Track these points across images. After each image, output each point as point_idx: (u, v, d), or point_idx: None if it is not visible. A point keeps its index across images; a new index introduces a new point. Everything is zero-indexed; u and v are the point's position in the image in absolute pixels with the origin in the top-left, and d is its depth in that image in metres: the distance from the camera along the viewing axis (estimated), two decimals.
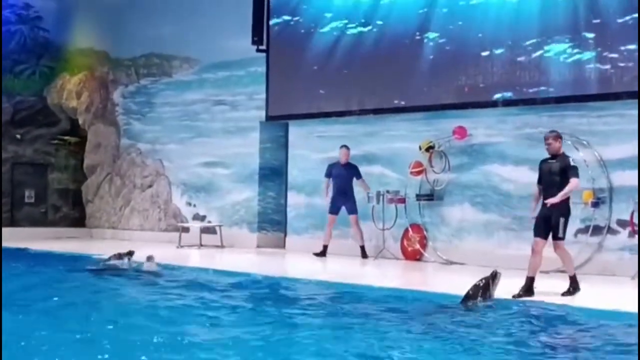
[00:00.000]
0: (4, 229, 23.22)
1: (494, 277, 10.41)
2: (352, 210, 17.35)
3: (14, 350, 7.29)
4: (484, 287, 10.33)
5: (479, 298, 10.27)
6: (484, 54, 15.90)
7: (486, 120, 16.13)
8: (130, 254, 15.49)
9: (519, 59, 15.43)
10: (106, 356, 7.12)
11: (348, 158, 17.52)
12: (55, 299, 10.87)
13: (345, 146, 17.62)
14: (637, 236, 13.86)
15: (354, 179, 17.45)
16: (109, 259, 15.59)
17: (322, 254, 17.46)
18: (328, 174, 17.67)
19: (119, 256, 15.41)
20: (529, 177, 15.14)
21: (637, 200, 13.85)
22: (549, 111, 15.17)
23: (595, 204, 14.40)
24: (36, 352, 7.31)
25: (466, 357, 7.54)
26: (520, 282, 11.46)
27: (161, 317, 9.40)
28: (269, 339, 8.12)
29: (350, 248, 17.63)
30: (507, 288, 11.19)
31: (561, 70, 14.92)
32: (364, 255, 17.19)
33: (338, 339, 8.11)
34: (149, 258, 14.89)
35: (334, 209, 17.53)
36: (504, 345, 7.92)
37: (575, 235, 14.53)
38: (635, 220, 13.96)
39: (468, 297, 10.29)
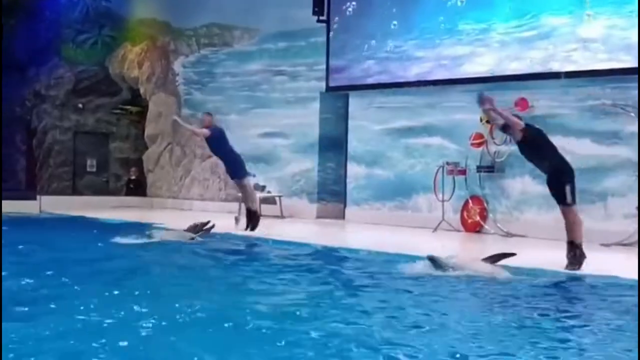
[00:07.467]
0: (65, 197, 23.62)
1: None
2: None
3: None
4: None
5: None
6: (547, 25, 15.73)
7: (548, 92, 15.97)
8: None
9: (581, 30, 15.24)
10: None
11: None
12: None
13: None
14: None
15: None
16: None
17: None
18: None
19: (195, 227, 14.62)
20: (592, 149, 15.05)
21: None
22: (613, 83, 14.97)
23: None
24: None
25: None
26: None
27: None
28: (335, 306, 8.05)
29: (410, 219, 17.65)
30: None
31: (625, 41, 14.71)
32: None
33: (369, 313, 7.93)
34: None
35: None
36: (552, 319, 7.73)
37: None
38: None
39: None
